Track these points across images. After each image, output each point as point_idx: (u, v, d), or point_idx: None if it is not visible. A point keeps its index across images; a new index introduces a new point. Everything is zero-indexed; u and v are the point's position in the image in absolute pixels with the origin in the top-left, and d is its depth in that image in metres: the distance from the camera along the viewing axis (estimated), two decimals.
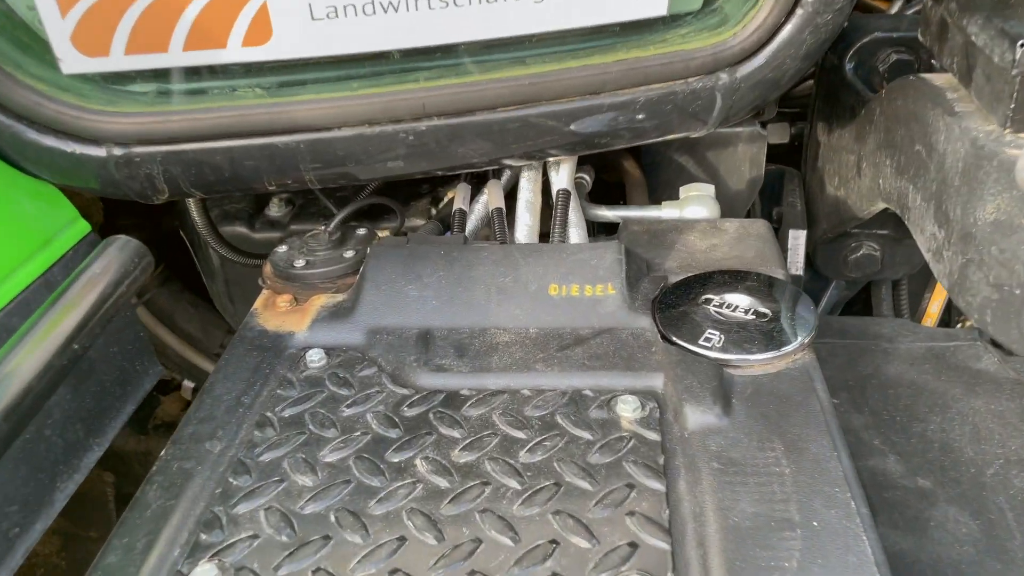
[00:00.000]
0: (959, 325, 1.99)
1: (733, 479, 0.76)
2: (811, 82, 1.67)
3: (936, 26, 1.06)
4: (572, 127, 0.97)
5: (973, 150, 0.91)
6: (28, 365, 0.76)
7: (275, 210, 1.49)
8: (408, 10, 0.85)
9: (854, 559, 0.67)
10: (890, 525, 1.02)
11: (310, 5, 0.83)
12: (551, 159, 1.09)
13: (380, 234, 1.21)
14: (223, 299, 1.58)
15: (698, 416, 0.83)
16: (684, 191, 1.24)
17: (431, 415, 0.87)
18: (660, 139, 1.02)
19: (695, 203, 1.21)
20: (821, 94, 1.61)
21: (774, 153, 1.74)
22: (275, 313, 1.05)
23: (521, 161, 1.04)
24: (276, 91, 0.88)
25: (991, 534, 0.99)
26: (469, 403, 0.88)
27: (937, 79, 1.07)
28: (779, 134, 1.75)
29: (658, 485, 0.76)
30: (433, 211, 1.43)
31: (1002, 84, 0.84)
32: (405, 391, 0.91)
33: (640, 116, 0.97)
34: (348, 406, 0.89)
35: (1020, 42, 0.80)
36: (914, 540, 0.97)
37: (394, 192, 1.42)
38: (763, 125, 1.55)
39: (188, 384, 1.85)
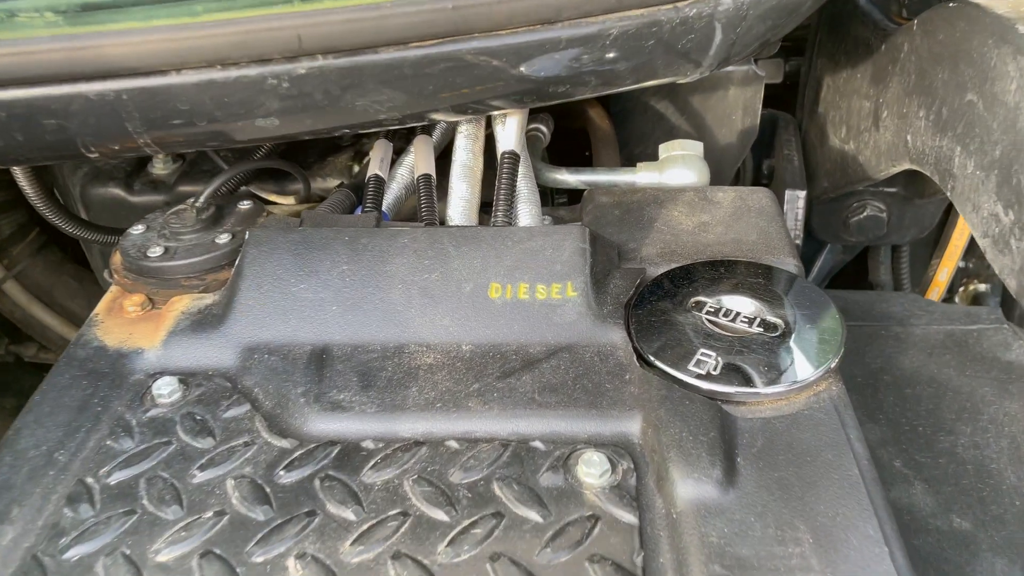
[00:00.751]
0: (961, 291, 1.78)
1: None
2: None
3: None
4: (520, 69, 0.70)
5: None
6: None
7: (159, 167, 1.20)
8: None
9: None
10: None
11: None
12: (495, 112, 0.82)
13: (278, 210, 0.94)
14: (102, 272, 1.30)
15: (691, 486, 0.59)
16: (665, 149, 0.98)
17: (317, 482, 0.62)
18: (638, 86, 0.75)
19: (679, 165, 0.95)
20: (825, 24, 1.35)
21: (764, 95, 1.48)
22: (121, 320, 0.78)
23: (450, 116, 0.76)
24: (78, 17, 0.59)
25: None
26: (373, 462, 0.63)
27: (998, 4, 0.81)
28: (771, 72, 1.47)
29: None
30: (357, 169, 1.15)
31: None
32: (285, 443, 0.65)
33: (611, 55, 0.70)
34: (203, 468, 0.64)
35: None
36: None
37: (306, 144, 1.14)
38: (755, 61, 1.28)
39: None
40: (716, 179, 1.24)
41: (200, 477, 0.63)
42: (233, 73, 0.62)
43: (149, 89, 0.63)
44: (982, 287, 1.74)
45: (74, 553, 0.58)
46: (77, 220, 1.01)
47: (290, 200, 1.06)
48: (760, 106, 1.17)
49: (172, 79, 0.62)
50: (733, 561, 0.54)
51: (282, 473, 0.63)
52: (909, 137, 0.99)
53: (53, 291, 1.46)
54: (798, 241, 1.28)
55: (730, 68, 1.13)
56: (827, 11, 1.33)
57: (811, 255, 1.60)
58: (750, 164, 1.38)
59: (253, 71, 0.63)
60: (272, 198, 1.09)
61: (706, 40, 0.71)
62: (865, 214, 1.41)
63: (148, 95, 0.63)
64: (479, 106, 0.74)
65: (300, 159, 1.14)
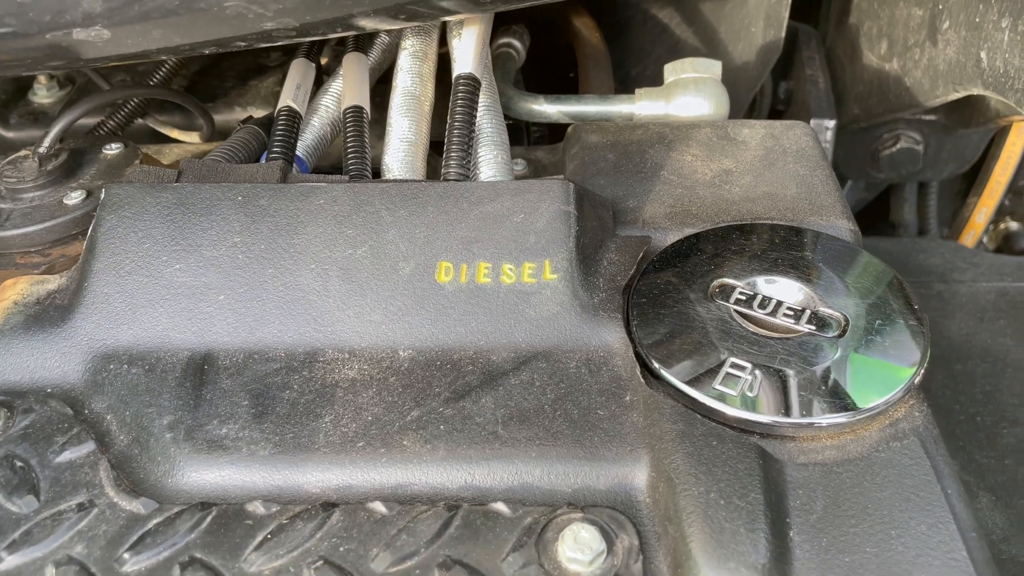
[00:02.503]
0: (991, 228, 1.59)
1: None
2: None
3: None
4: None
5: None
6: None
7: (42, 94, 0.97)
8: None
9: None
10: None
11: None
12: (449, 18, 0.59)
13: (179, 150, 0.72)
14: None
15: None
16: (672, 71, 0.76)
17: (177, 571, 0.42)
18: None
19: (691, 91, 0.73)
20: None
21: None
22: None
23: (380, 24, 0.54)
24: None
25: None
26: (261, 538, 0.44)
27: None
28: None
29: None
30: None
31: None
32: (138, 506, 0.45)
33: None
34: (12, 548, 0.44)
35: None
36: None
37: (221, 64, 0.92)
38: None
39: None
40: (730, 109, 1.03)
41: (8, 562, 0.43)
42: None
43: None
44: (1014, 226, 1.55)
45: None
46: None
47: (195, 138, 0.84)
48: (787, 15, 0.94)
49: None
50: None
51: (127, 556, 0.43)
52: (984, 54, 0.77)
53: None
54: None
55: None
56: None
57: None
58: (770, 87, 1.16)
59: None
60: (176, 135, 0.87)
61: None
62: (899, 146, 1.20)
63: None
64: (418, 8, 0.51)
65: (213, 84, 0.91)
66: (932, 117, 1.18)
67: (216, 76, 0.93)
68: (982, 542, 0.43)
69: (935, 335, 0.97)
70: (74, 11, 0.42)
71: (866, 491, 0.44)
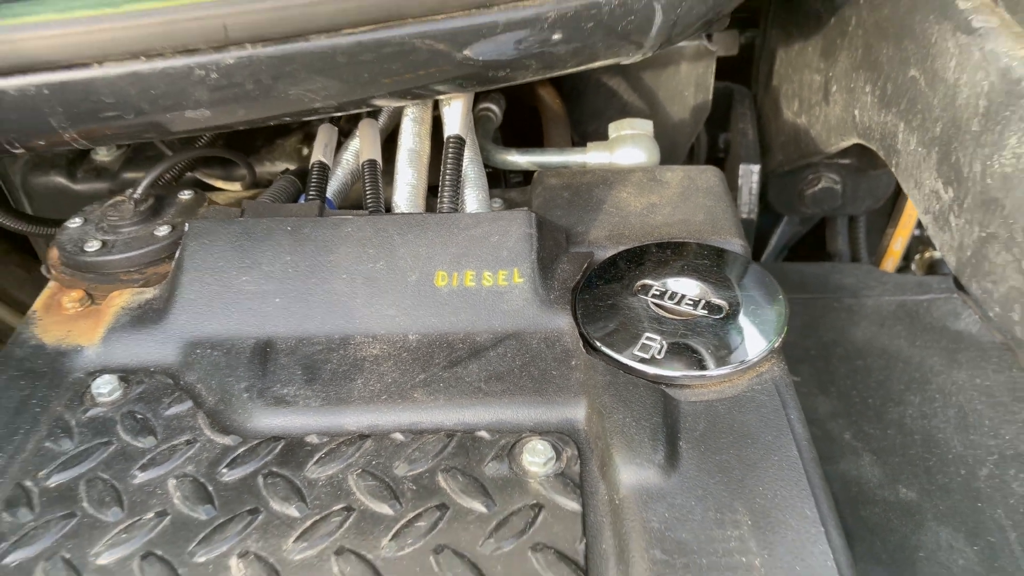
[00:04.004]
0: (916, 258, 1.80)
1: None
2: None
3: None
4: (464, 53, 0.69)
5: (1002, 83, 0.66)
6: None
7: (102, 153, 1.17)
8: None
9: None
10: (871, 558, 0.82)
11: None
12: (441, 95, 0.81)
13: (224, 197, 0.92)
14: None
15: (633, 472, 0.59)
16: (615, 129, 0.98)
17: (260, 480, 0.61)
18: (580, 68, 0.74)
19: (629, 145, 0.95)
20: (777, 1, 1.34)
21: (720, 67, 1.48)
22: (60, 318, 0.76)
23: (391, 102, 0.75)
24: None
25: (992, 565, 0.80)
26: (316, 458, 0.63)
27: None
28: (726, 45, 1.47)
29: None
30: (306, 152, 1.13)
31: None
32: (228, 440, 0.65)
33: (551, 38, 0.69)
34: (144, 468, 0.63)
35: None
36: None
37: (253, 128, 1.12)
38: (708, 36, 1.27)
39: None
40: (670, 155, 1.24)
41: (141, 477, 0.62)
42: (158, 64, 0.61)
43: (71, 83, 0.61)
44: (937, 255, 1.77)
45: (12, 559, 0.57)
46: (13, 213, 0.98)
47: (236, 187, 1.04)
48: (712, 81, 1.17)
49: (94, 72, 0.60)
50: (673, 546, 0.55)
51: (224, 471, 0.62)
52: (857, 112, 0.99)
53: (1, 282, 1.43)
54: (753, 215, 1.29)
55: (682, 44, 1.13)
56: None
57: (768, 227, 1.61)
58: (705, 138, 1.38)
59: (179, 62, 0.61)
60: (218, 184, 1.07)
61: (646, 21, 0.70)
62: (820, 186, 1.42)
63: (70, 89, 0.61)
64: (420, 92, 0.73)
65: (247, 143, 1.12)
66: (847, 160, 1.39)
67: (249, 136, 1.13)
68: (811, 446, 0.62)
69: (843, 340, 1.17)
70: (191, 99, 0.63)
71: (733, 416, 0.64)
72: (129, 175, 1.14)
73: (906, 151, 0.84)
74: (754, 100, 1.45)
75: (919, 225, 1.57)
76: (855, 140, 1.02)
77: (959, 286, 1.25)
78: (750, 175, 1.27)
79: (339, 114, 0.79)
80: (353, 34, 0.63)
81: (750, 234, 1.32)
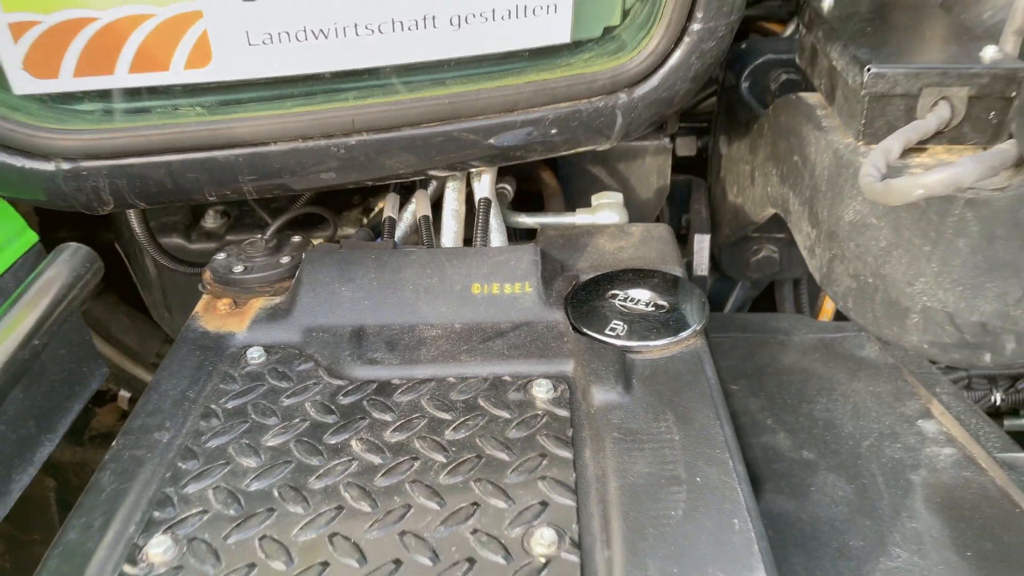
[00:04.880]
0: None
1: (631, 446, 0.87)
2: (714, 99, 1.82)
3: (808, 51, 1.21)
4: (491, 141, 1.08)
5: (835, 160, 1.05)
6: None
7: (211, 222, 1.55)
8: (337, 36, 0.94)
9: (729, 507, 0.79)
10: (776, 491, 1.14)
11: (247, 32, 0.92)
12: (473, 170, 1.19)
13: (314, 242, 1.29)
14: (160, 309, 1.64)
15: (602, 395, 0.94)
16: (596, 199, 1.36)
17: (364, 402, 0.96)
18: (570, 152, 1.13)
19: (606, 209, 1.33)
20: (722, 111, 1.76)
21: (683, 164, 1.89)
22: (216, 315, 1.12)
23: (445, 172, 1.14)
24: (216, 109, 0.96)
25: (864, 496, 1.12)
26: (399, 391, 0.98)
27: (811, 98, 1.22)
28: (687, 147, 1.89)
29: (567, 454, 0.87)
30: (365, 220, 1.51)
31: (855, 103, 0.98)
32: (340, 382, 1.00)
33: (552, 131, 1.08)
34: (287, 396, 0.97)
35: (867, 68, 0.94)
36: (796, 503, 1.10)
37: (327, 203, 1.51)
38: (672, 139, 1.69)
39: (124, 394, 1.88)
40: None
41: (287, 402, 0.97)
42: (310, 144, 0.99)
43: (256, 154, 0.98)
44: None
45: (212, 444, 0.91)
46: (170, 255, 1.35)
47: (319, 239, 1.42)
48: (669, 170, 1.56)
49: (271, 148, 0.98)
50: (626, 432, 0.89)
51: (340, 398, 0.97)
52: (769, 189, 1.38)
53: (110, 327, 1.78)
54: (705, 272, 1.66)
55: (645, 142, 1.53)
56: (724, 101, 1.74)
57: (725, 292, 1.98)
58: (669, 216, 1.77)
59: (323, 142, 0.99)
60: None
61: (612, 121, 1.09)
62: (761, 255, 1.80)
63: (255, 158, 0.99)
64: (463, 165, 1.11)
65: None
66: (781, 235, 1.78)
67: (323, 206, 1.52)
68: (719, 389, 0.97)
69: (773, 364, 1.51)
70: (325, 166, 1.01)
71: (668, 367, 0.99)
72: (231, 237, 1.52)
73: (794, 210, 1.22)
74: (708, 188, 1.85)
75: None
76: (771, 210, 1.40)
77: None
78: (702, 242, 1.66)
79: (413, 179, 1.17)
80: (428, 127, 1.02)
81: (704, 289, 1.69)
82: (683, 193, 1.86)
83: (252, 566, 0.76)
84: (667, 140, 1.54)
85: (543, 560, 0.75)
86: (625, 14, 1.06)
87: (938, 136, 0.93)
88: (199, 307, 1.14)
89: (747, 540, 0.76)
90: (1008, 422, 2.39)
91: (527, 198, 1.55)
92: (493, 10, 0.96)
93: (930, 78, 0.91)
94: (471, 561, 0.75)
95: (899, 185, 0.77)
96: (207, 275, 1.17)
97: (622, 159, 1.53)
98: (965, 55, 0.94)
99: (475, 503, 0.81)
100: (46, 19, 0.86)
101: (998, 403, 2.25)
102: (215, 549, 0.78)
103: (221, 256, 1.19)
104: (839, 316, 2.04)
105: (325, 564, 0.76)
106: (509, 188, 1.45)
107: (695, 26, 1.03)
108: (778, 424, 1.32)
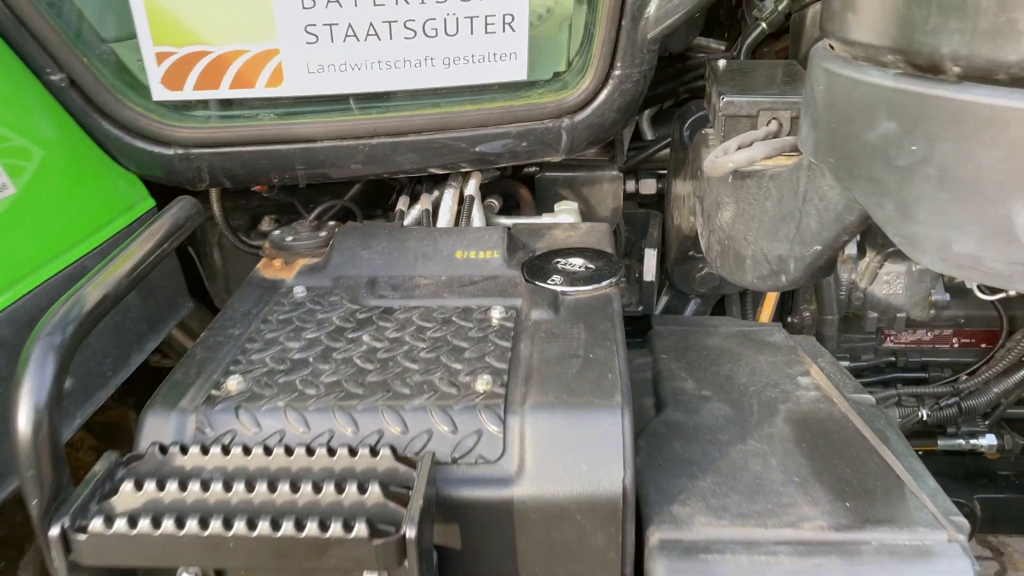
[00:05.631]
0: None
1: (551, 340, 1.28)
2: (668, 150, 2.28)
3: (707, 96, 1.66)
4: (475, 148, 1.53)
5: (709, 175, 1.48)
6: (121, 271, 1.25)
7: (265, 225, 2.01)
8: (365, 69, 1.41)
9: (608, 369, 1.19)
10: (675, 410, 1.53)
11: (307, 64, 1.39)
12: (463, 170, 1.64)
13: None
14: (222, 294, 2.08)
15: (537, 314, 1.35)
16: (558, 207, 1.81)
17: (373, 316, 1.39)
18: (531, 161, 1.58)
19: (564, 213, 1.77)
20: (672, 157, 2.21)
21: (647, 202, 2.34)
22: (271, 269, 1.56)
23: (441, 170, 1.59)
24: (283, 116, 1.43)
25: (739, 415, 1.50)
26: (397, 312, 1.40)
27: (709, 129, 1.66)
28: (648, 187, 2.34)
29: (507, 344, 1.28)
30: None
31: (719, 122, 1.42)
32: (357, 307, 1.42)
33: (515, 143, 1.53)
34: (321, 314, 1.40)
35: (723, 97, 1.38)
36: (687, 417, 1.49)
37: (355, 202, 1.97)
38: (636, 180, 2.15)
39: None
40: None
41: (320, 316, 1.39)
42: (345, 143, 1.45)
43: (308, 149, 1.44)
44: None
45: (269, 335, 1.33)
46: (239, 238, 1.81)
47: None
48: (622, 194, 2.00)
49: (319, 144, 1.44)
50: (549, 333, 1.30)
51: (358, 315, 1.39)
52: (695, 215, 1.81)
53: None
54: (652, 278, 2.08)
55: (603, 172, 1.98)
56: (673, 150, 2.19)
57: (682, 307, 2.39)
58: (624, 235, 2.20)
59: (354, 142, 1.45)
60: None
61: (558, 139, 1.54)
62: (704, 272, 2.22)
63: (307, 152, 1.45)
64: (453, 165, 1.57)
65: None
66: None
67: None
68: (620, 316, 1.37)
69: (699, 344, 1.89)
70: (355, 159, 1.46)
71: (587, 302, 1.40)
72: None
73: (698, 211, 1.64)
74: (663, 220, 2.28)
75: (780, 300, 2.35)
76: (695, 227, 1.83)
77: (786, 327, 2.00)
78: (651, 255, 2.08)
79: (416, 175, 1.62)
80: (426, 135, 1.47)
81: (653, 295, 2.11)
82: (645, 224, 2.30)
83: (294, 391, 1.17)
84: (617, 171, 1.98)
85: (482, 391, 1.16)
86: (569, 64, 1.52)
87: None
88: (259, 265, 1.59)
89: (615, 384, 1.16)
90: (942, 441, 2.73)
91: (510, 210, 2.00)
92: (472, 55, 1.42)
93: (764, 105, 1.35)
94: (435, 390, 1.16)
95: (720, 161, 1.20)
96: (267, 245, 1.62)
97: (584, 184, 1.98)
98: (792, 91, 1.38)
99: (442, 365, 1.22)
100: (180, 51, 1.34)
101: (924, 418, 2.59)
102: (270, 384, 1.19)
103: (278, 232, 1.64)
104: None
105: (341, 386, 1.17)
106: (496, 202, 1.90)
107: (616, 72, 1.49)
108: (689, 376, 1.71)
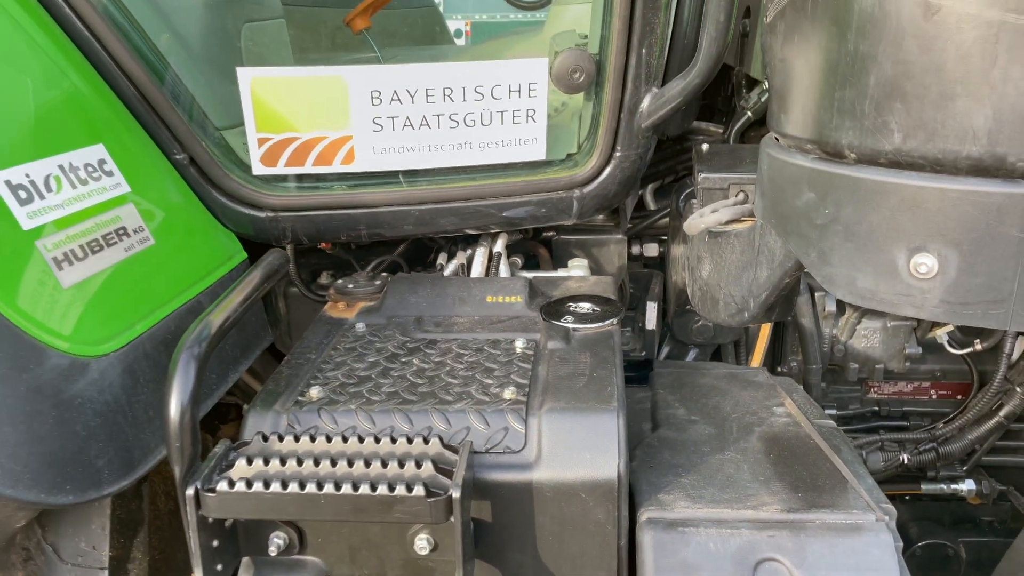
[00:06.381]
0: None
1: (561, 364, 1.61)
2: (668, 219, 2.63)
3: (694, 172, 2.02)
4: (502, 213, 1.89)
5: (695, 236, 1.82)
6: (234, 303, 1.59)
7: (323, 279, 2.38)
8: (417, 151, 1.79)
9: (607, 385, 1.51)
10: (667, 429, 1.83)
11: (373, 147, 1.77)
12: (492, 231, 2.00)
13: None
14: (284, 337, 2.44)
15: (553, 344, 1.69)
16: (571, 263, 2.16)
17: (421, 346, 1.73)
18: (548, 224, 1.94)
19: (576, 268, 2.13)
20: (671, 225, 2.57)
21: (650, 263, 2.68)
22: (336, 310, 1.92)
23: (475, 231, 1.95)
24: (353, 187, 1.80)
25: (720, 433, 1.80)
26: (440, 342, 1.74)
27: (693, 200, 2.01)
28: (652, 251, 2.69)
29: (528, 366, 1.61)
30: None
31: (699, 194, 1.77)
32: (407, 339, 1.76)
33: (536, 210, 1.89)
34: (378, 343, 1.75)
35: (700, 173, 1.74)
36: (676, 434, 1.80)
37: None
38: (641, 244, 2.51)
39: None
40: None
41: (379, 345, 1.73)
42: (399, 208, 1.82)
43: (371, 213, 1.81)
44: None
45: (340, 359, 1.67)
46: (308, 288, 2.17)
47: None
48: (626, 255, 2.35)
49: (380, 209, 1.81)
50: (561, 359, 1.63)
51: (408, 344, 1.73)
52: (691, 273, 2.15)
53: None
54: (653, 327, 2.40)
55: (608, 236, 2.34)
56: (672, 219, 2.55)
57: (682, 356, 2.71)
58: (628, 290, 2.54)
59: (407, 207, 1.82)
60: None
61: (570, 206, 1.90)
62: (700, 323, 2.54)
63: (370, 215, 1.82)
64: (485, 227, 1.93)
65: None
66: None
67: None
68: (619, 348, 1.70)
69: (692, 382, 2.20)
70: (407, 221, 1.81)
71: (593, 337, 1.73)
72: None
73: (685, 271, 1.98)
74: (664, 278, 2.62)
75: (772, 348, 2.65)
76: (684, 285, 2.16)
77: (772, 371, 2.31)
78: (652, 308, 2.41)
79: (455, 234, 1.98)
80: (464, 202, 1.84)
81: (654, 342, 2.44)
82: (648, 282, 2.64)
83: (362, 398, 1.51)
84: (621, 235, 2.34)
85: (508, 399, 1.48)
86: (579, 147, 1.90)
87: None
88: (326, 307, 1.94)
89: (612, 394, 1.48)
90: (925, 485, 2.98)
91: (531, 266, 2.35)
92: (502, 140, 1.80)
93: (733, 180, 1.71)
94: (471, 398, 1.49)
95: (695, 222, 1.55)
96: (332, 291, 1.98)
97: (593, 246, 2.33)
98: (756, 169, 1.73)
99: (477, 381, 1.56)
100: (276, 136, 1.72)
101: (905, 462, 2.84)
102: (343, 393, 1.53)
103: (340, 281, 2.00)
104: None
105: (398, 395, 1.50)
106: (519, 259, 2.26)
107: (617, 153, 1.86)
108: (682, 405, 2.02)
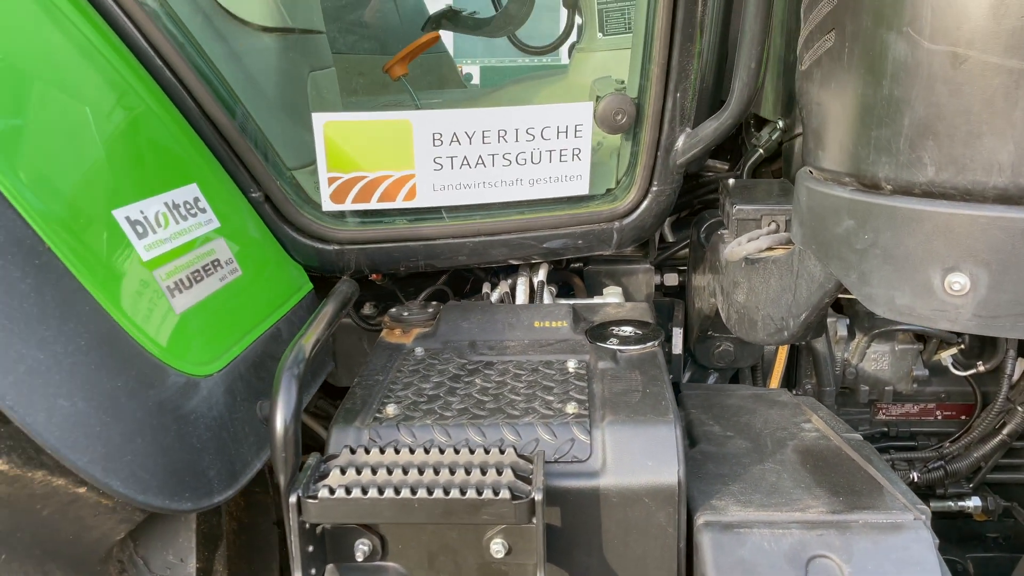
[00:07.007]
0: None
1: (614, 381, 1.74)
2: (687, 250, 2.79)
3: (721, 207, 2.18)
4: (545, 244, 2.04)
5: (734, 262, 1.98)
6: (320, 327, 1.71)
7: (367, 310, 2.51)
8: (471, 188, 1.93)
9: (660, 398, 1.65)
10: (706, 443, 1.96)
11: (433, 184, 1.91)
12: (534, 262, 2.15)
13: None
14: (334, 370, 2.55)
15: (603, 365, 1.82)
16: (606, 291, 2.31)
17: (479, 367, 1.85)
18: (590, 254, 2.08)
19: (611, 295, 2.27)
20: (691, 255, 2.72)
21: (671, 291, 2.83)
22: (393, 337, 2.04)
23: (521, 261, 2.09)
24: (414, 221, 1.94)
25: (756, 447, 1.93)
26: (496, 364, 1.87)
27: (723, 231, 2.17)
28: (672, 280, 2.84)
29: (583, 384, 1.74)
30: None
31: (732, 225, 1.93)
32: (464, 361, 1.89)
33: (578, 241, 2.04)
34: (439, 366, 1.87)
35: (735, 205, 1.89)
36: (715, 448, 1.92)
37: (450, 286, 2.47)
38: (661, 274, 2.66)
39: None
40: None
41: (440, 367, 1.86)
42: (455, 241, 1.95)
43: (430, 245, 1.95)
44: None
45: (407, 380, 1.79)
46: (362, 319, 2.29)
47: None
48: (653, 284, 2.50)
49: (438, 242, 1.95)
50: (613, 377, 1.76)
51: (467, 366, 1.86)
52: (712, 298, 2.30)
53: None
54: (679, 351, 2.54)
55: (637, 265, 2.49)
56: (692, 250, 2.71)
57: (703, 380, 2.85)
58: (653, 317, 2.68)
59: (462, 239, 1.95)
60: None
61: (610, 237, 2.05)
62: (721, 348, 2.69)
63: (429, 247, 1.95)
64: (530, 257, 2.07)
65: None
66: (734, 335, 2.66)
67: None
68: (667, 367, 1.84)
69: (721, 403, 2.34)
70: (462, 252, 1.95)
71: (639, 357, 1.87)
72: (379, 318, 2.46)
73: (718, 297, 2.13)
74: (685, 306, 2.77)
75: (786, 375, 2.79)
76: (715, 304, 2.31)
77: (790, 389, 2.46)
78: (677, 334, 2.56)
79: (502, 264, 2.12)
80: (512, 235, 1.98)
81: (680, 366, 2.58)
82: (670, 310, 2.79)
83: (436, 414, 1.63)
84: (649, 264, 2.49)
85: (571, 413, 1.61)
86: (618, 182, 2.05)
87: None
88: (383, 334, 2.07)
89: (668, 407, 1.61)
90: (934, 503, 3.12)
91: (565, 295, 2.49)
92: (549, 177, 1.95)
93: (764, 211, 1.86)
94: (537, 412, 1.62)
95: (736, 250, 1.70)
96: (387, 319, 2.11)
97: (623, 275, 2.48)
98: (785, 201, 1.89)
99: (538, 397, 1.69)
100: (344, 176, 1.86)
101: (915, 480, 2.98)
102: (417, 409, 1.65)
103: (394, 310, 2.13)
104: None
105: (468, 411, 1.63)
106: (553, 288, 2.40)
107: (653, 188, 2.02)
108: (716, 423, 2.15)
